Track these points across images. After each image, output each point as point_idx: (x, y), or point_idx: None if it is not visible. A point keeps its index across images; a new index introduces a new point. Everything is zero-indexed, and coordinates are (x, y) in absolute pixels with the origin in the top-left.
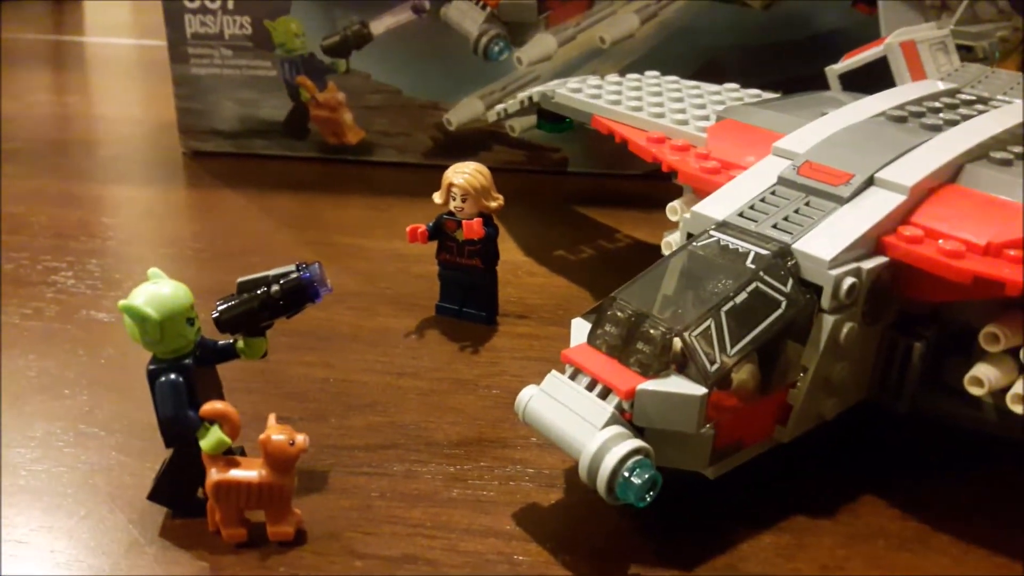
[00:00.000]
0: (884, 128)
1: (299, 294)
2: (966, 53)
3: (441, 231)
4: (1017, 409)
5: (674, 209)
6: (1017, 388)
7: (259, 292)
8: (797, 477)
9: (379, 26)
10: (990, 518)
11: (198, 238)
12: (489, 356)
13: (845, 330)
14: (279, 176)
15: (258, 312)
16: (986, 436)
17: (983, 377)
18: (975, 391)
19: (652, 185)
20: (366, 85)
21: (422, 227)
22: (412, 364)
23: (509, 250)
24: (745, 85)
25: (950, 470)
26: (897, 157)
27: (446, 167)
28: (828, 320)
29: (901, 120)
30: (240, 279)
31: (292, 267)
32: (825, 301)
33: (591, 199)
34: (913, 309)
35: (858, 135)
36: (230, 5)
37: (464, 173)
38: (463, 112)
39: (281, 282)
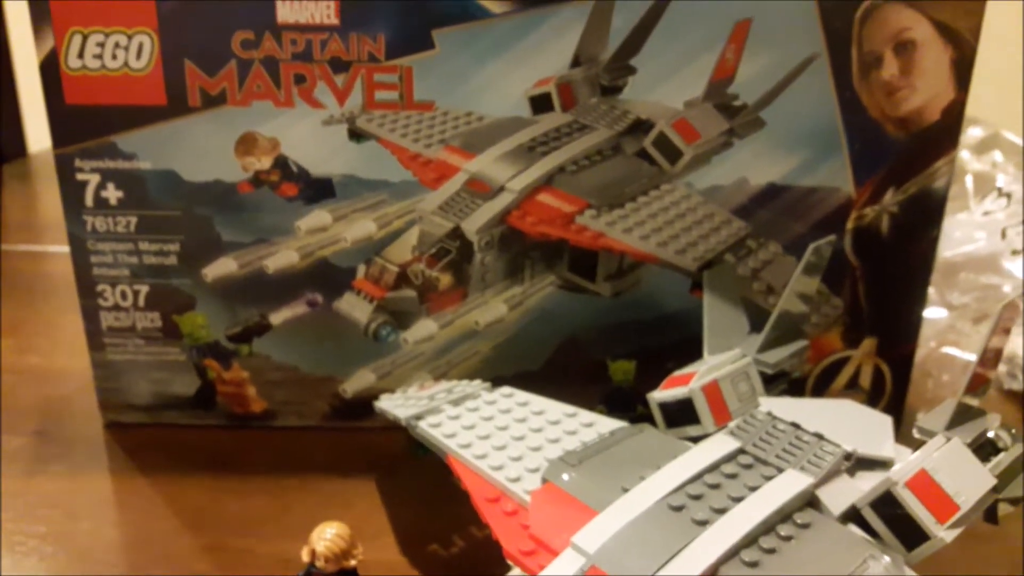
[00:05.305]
0: (661, 522)
1: None
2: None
3: None
4: None
5: None
6: None
7: None
8: None
9: (277, 317)
10: None
11: (109, 549)
12: None
13: None
14: (191, 445)
15: None
16: None
17: None
18: None
19: None
20: (267, 364)
21: None
22: None
23: (384, 547)
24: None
25: None
26: (663, 566)
27: (344, 427)
28: None
29: (679, 509)
30: None
31: None
32: None
33: None
34: None
35: (638, 532)
36: (140, 303)
37: (325, 539)
38: (357, 383)
39: None
